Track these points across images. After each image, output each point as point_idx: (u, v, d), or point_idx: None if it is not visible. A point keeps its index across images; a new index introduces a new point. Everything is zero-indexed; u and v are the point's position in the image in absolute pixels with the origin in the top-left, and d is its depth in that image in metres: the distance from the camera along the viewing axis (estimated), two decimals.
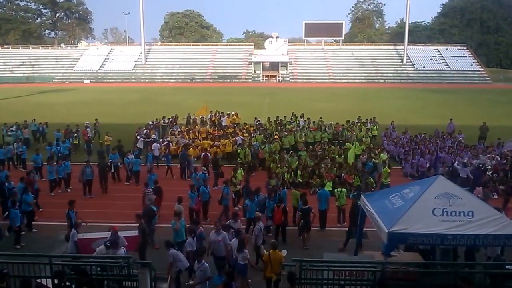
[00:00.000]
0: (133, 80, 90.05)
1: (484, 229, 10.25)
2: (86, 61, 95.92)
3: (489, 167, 22.35)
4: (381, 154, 23.85)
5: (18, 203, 15.35)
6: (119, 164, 22.89)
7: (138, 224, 13.58)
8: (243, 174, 19.86)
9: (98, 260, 11.23)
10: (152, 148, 25.19)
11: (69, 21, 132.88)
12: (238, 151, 24.41)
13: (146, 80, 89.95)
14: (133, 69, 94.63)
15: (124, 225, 14.38)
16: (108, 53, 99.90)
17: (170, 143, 26.95)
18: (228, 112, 35.98)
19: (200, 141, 28.38)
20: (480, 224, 10.29)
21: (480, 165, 22.41)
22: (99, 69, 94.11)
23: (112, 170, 22.48)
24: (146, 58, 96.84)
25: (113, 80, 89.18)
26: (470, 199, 10.92)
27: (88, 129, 29.74)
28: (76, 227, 13.12)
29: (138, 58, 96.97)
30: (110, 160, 22.67)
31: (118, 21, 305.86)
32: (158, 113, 36.23)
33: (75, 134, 28.91)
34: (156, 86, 79.24)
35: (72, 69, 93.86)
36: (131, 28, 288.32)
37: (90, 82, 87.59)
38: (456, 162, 22.03)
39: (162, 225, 15.57)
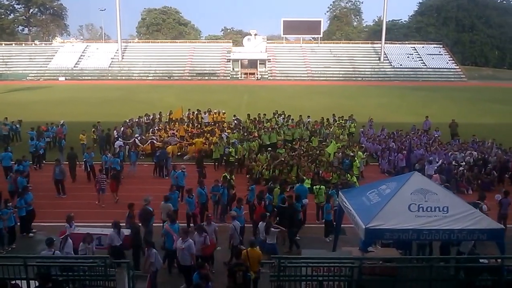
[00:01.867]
0: (110, 78, 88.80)
1: (459, 224, 10.44)
2: (61, 58, 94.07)
3: (463, 163, 22.72)
4: (359, 152, 24.10)
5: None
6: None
7: (130, 223, 13.51)
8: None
9: (74, 261, 11.04)
10: (114, 146, 24.72)
11: (43, 17, 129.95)
12: (230, 151, 23.99)
13: (123, 78, 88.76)
14: (109, 66, 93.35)
15: (101, 224, 14.18)
16: (84, 50, 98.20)
17: (154, 141, 26.55)
18: (209, 109, 35.76)
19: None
20: (455, 219, 10.47)
21: (454, 162, 22.80)
22: (74, 66, 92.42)
23: (88, 169, 22.05)
24: (123, 55, 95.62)
25: (89, 78, 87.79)
26: (445, 195, 11.08)
27: (63, 127, 29.22)
28: (69, 221, 13.15)
29: (114, 55, 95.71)
30: (84, 159, 22.24)
31: (94, 17, 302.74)
32: (136, 111, 35.80)
33: (51, 133, 28.37)
34: (133, 84, 78.29)
35: (46, 66, 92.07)
36: (107, 25, 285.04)
37: (66, 79, 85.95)
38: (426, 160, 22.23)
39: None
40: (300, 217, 15.59)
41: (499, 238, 10.68)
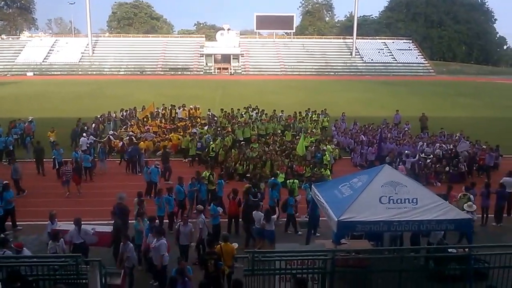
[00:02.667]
0: (80, 73, 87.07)
1: (428, 215, 10.69)
2: (29, 53, 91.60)
3: (431, 156, 23.22)
4: (328, 146, 24.39)
5: None
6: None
7: (113, 221, 13.42)
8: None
9: (44, 260, 10.84)
10: (80, 143, 24.32)
11: (10, 10, 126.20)
12: (211, 145, 23.93)
13: (94, 73, 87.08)
14: (79, 61, 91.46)
15: (69, 223, 13.95)
16: (53, 44, 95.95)
17: (133, 137, 26.16)
18: (184, 104, 35.50)
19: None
20: (424, 210, 10.72)
21: (423, 154, 23.31)
22: (43, 61, 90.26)
23: (57, 167, 21.61)
24: (93, 50, 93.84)
25: (59, 73, 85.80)
26: (415, 187, 11.33)
27: (32, 124, 28.56)
28: (52, 218, 13.08)
29: (85, 50, 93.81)
30: (53, 156, 21.82)
31: (63, 11, 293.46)
32: (107, 107, 35.22)
33: (18, 130, 27.65)
34: (104, 79, 76.84)
35: (14, 61, 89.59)
36: (77, 19, 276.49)
37: (34, 74, 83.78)
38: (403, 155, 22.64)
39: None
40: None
41: (467, 228, 11.00)
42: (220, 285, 11.11)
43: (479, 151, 23.21)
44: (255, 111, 33.03)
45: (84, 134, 25.27)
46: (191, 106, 35.22)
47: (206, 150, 23.88)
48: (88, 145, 23.65)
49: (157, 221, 13.42)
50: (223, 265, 11.11)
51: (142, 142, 24.99)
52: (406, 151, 22.75)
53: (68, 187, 19.26)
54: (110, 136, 26.42)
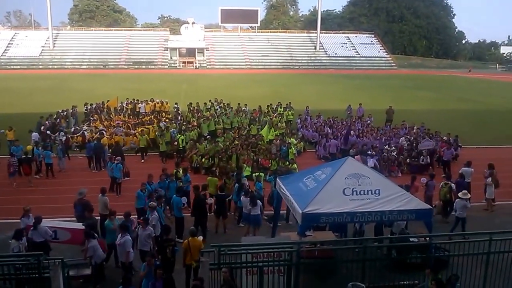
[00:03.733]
0: (41, 67, 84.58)
1: (390, 205, 10.92)
2: None
3: (393, 147, 23.73)
4: (292, 139, 24.58)
5: None
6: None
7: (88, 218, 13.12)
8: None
9: (6, 260, 10.54)
10: (32, 137, 23.63)
11: None
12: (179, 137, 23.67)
13: (55, 67, 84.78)
14: (40, 55, 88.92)
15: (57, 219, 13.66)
16: (12, 38, 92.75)
17: (104, 132, 25.55)
18: (152, 98, 34.97)
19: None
20: (386, 201, 10.94)
21: (387, 146, 23.79)
22: (2, 55, 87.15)
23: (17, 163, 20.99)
24: (54, 43, 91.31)
25: (18, 67, 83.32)
26: (377, 179, 11.56)
27: None
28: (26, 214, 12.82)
29: (45, 43, 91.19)
30: (13, 153, 21.09)
31: (22, 4, 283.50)
32: (70, 101, 34.38)
33: None
34: (66, 73, 75.12)
35: None
36: (37, 11, 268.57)
37: None
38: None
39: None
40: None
41: (427, 217, 11.32)
42: (172, 269, 11.33)
43: (439, 143, 23.85)
44: (219, 105, 32.92)
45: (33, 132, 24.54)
46: (157, 100, 34.77)
47: (175, 143, 23.68)
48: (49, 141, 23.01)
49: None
50: (178, 251, 11.45)
51: (105, 138, 24.47)
52: (376, 145, 23.10)
53: (15, 178, 19.30)
54: (85, 132, 25.96)
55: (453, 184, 16.12)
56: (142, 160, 23.80)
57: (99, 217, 14.10)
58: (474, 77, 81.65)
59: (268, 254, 10.49)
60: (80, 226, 12.81)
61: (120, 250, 11.54)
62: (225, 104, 32.78)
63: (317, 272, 11.34)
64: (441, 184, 16.45)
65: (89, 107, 32.13)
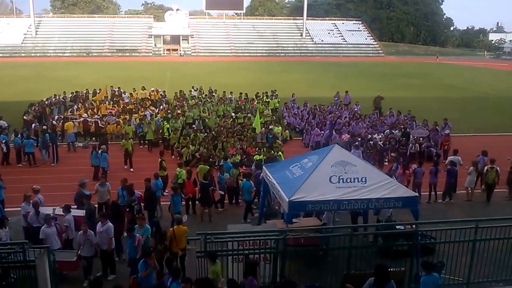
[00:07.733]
0: (23, 55, 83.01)
1: (376, 193, 10.87)
2: None
3: (380, 135, 23.69)
4: (276, 128, 24.47)
5: None
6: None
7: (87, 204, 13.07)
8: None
9: None
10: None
11: None
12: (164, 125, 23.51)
13: (38, 55, 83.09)
14: (22, 43, 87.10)
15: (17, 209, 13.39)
16: None
17: (99, 122, 25.14)
18: (143, 86, 34.60)
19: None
20: (372, 189, 10.89)
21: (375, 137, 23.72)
22: None
23: (5, 150, 20.73)
24: (37, 31, 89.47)
25: (0, 55, 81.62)
26: (364, 166, 11.50)
27: None
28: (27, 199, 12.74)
29: (27, 31, 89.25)
30: (4, 141, 20.79)
31: None
32: (53, 90, 33.77)
33: None
34: (49, 61, 73.69)
35: None
36: None
37: None
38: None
39: None
40: None
41: (413, 205, 11.31)
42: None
43: (439, 137, 23.34)
44: (200, 92, 32.99)
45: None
46: (152, 89, 34.48)
47: (161, 131, 23.47)
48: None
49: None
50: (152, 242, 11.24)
51: (108, 126, 24.35)
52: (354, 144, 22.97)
53: None
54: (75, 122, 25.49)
55: (498, 168, 16.75)
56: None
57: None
58: (462, 64, 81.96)
59: (254, 242, 10.46)
60: (79, 213, 12.77)
61: (101, 239, 11.36)
62: (209, 91, 32.52)
63: (303, 259, 11.34)
64: (486, 168, 16.97)
65: (72, 95, 31.68)
